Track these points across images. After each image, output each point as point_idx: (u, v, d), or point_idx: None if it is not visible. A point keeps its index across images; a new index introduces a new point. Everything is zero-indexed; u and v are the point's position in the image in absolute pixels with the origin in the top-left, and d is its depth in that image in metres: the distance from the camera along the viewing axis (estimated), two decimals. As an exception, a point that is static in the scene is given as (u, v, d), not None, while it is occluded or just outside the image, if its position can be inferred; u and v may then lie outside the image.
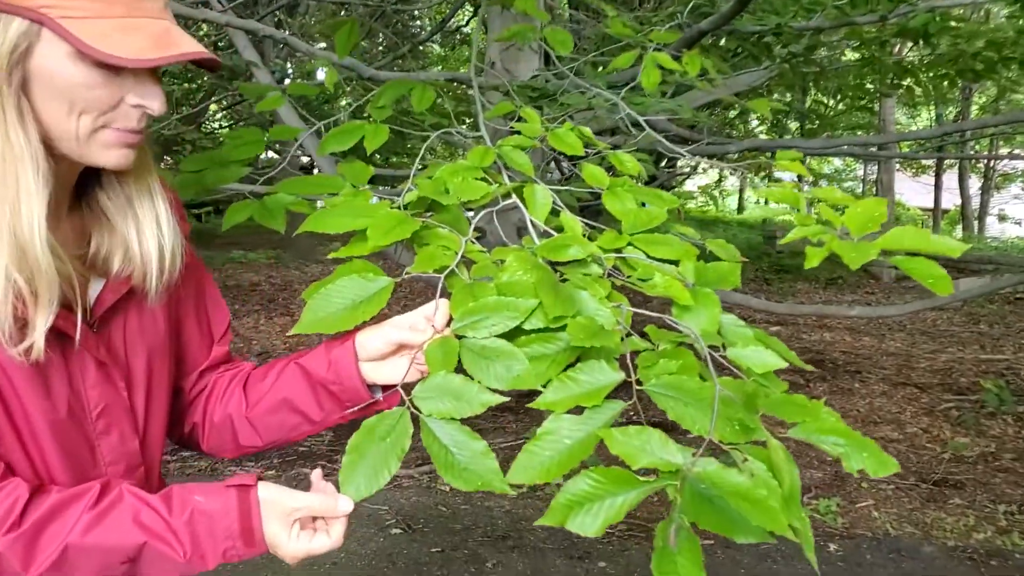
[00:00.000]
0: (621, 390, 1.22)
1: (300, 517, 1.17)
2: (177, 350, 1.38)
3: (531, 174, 1.62)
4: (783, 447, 1.17)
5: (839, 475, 5.31)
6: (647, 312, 1.39)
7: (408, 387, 1.26)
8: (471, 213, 1.54)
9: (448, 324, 1.28)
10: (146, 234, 1.21)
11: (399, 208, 1.48)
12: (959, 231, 22.28)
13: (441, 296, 1.30)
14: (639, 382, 1.22)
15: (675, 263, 1.56)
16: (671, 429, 1.20)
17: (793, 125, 18.51)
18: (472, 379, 1.21)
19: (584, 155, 1.75)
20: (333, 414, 1.36)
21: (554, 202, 1.57)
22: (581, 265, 1.46)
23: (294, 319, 8.96)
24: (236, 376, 1.44)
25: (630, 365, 1.24)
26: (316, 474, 1.26)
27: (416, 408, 1.20)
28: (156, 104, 1.08)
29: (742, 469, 1.15)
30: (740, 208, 28.10)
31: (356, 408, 1.34)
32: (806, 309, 8.10)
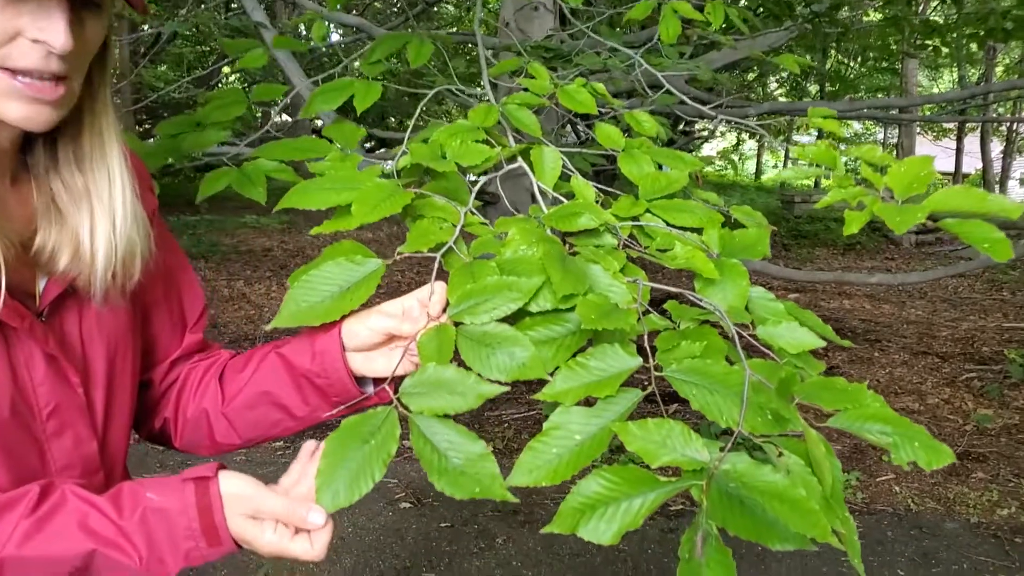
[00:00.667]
0: (637, 377, 1.09)
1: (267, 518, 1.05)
2: (144, 339, 1.25)
3: (538, 135, 1.47)
4: (823, 439, 1.03)
5: (858, 447, 5.18)
6: (666, 287, 1.25)
7: (401, 381, 1.13)
8: (478, 180, 1.39)
9: (445, 310, 1.14)
10: (99, 234, 1.06)
11: (390, 176, 1.34)
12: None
13: (438, 277, 1.16)
14: (658, 367, 1.09)
15: (698, 231, 1.42)
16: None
17: (813, 88, 18.22)
18: (468, 369, 1.07)
19: (598, 115, 1.60)
20: (319, 410, 1.22)
21: (565, 166, 1.43)
22: (593, 235, 1.32)
23: (307, 286, 8.87)
24: (211, 367, 1.30)
25: (648, 348, 1.10)
26: (306, 447, 1.13)
27: (404, 406, 1.07)
28: (57, 39, 0.90)
29: (776, 465, 1.01)
30: (758, 173, 27.82)
31: (345, 405, 1.21)
32: (825, 276, 7.93)
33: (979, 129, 20.62)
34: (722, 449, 1.02)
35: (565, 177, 1.46)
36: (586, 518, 1.00)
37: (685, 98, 1.98)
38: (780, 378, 1.09)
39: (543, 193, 1.38)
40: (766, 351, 1.21)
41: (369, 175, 1.30)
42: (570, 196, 1.41)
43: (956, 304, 9.58)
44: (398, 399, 1.07)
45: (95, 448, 1.13)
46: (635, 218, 1.40)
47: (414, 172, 1.33)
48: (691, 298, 1.23)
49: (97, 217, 1.06)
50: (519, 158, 1.42)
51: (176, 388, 1.30)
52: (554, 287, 1.09)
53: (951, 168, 22.35)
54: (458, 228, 1.23)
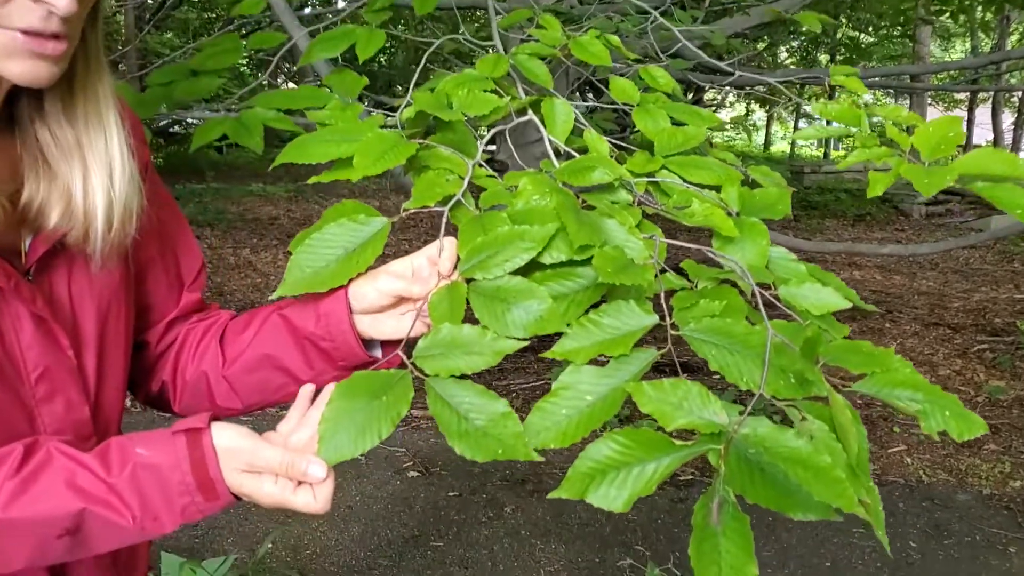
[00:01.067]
0: (652, 336, 1.03)
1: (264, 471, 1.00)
2: (139, 299, 1.19)
3: (550, 86, 1.41)
4: (849, 404, 0.98)
5: (869, 417, 5.14)
6: (683, 243, 1.19)
7: (413, 344, 1.08)
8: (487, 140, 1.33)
9: (457, 267, 1.09)
10: (94, 187, 1.00)
11: (394, 128, 1.28)
12: None
13: (446, 233, 1.10)
14: (675, 326, 1.03)
15: (716, 189, 1.36)
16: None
17: (823, 58, 18.02)
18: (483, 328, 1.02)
19: (611, 68, 1.53)
20: (325, 373, 1.17)
21: (577, 120, 1.37)
22: (608, 191, 1.26)
23: (313, 254, 8.81)
24: (211, 328, 1.24)
25: (664, 306, 1.05)
26: (304, 391, 1.09)
27: (420, 371, 1.01)
28: (60, 0, 0.85)
29: (800, 431, 0.96)
30: (767, 143, 27.61)
31: (352, 368, 1.16)
32: (836, 247, 7.84)
33: (991, 100, 20.42)
34: (742, 413, 0.97)
35: (577, 133, 1.39)
36: (596, 483, 0.95)
37: (701, 53, 1.91)
38: (806, 338, 1.04)
39: (553, 147, 1.32)
40: (787, 313, 1.15)
41: (371, 125, 1.24)
42: (583, 152, 1.35)
43: (967, 275, 9.49)
44: (412, 363, 1.01)
45: (87, 413, 1.07)
46: (651, 174, 1.34)
47: (419, 122, 1.27)
48: (710, 255, 1.17)
49: (92, 171, 1.00)
50: (529, 110, 1.36)
51: (174, 350, 1.25)
52: (570, 237, 1.03)
53: (962, 139, 22.18)
54: (466, 180, 1.17)
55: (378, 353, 1.18)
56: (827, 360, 1.02)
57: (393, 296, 1.10)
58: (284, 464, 0.97)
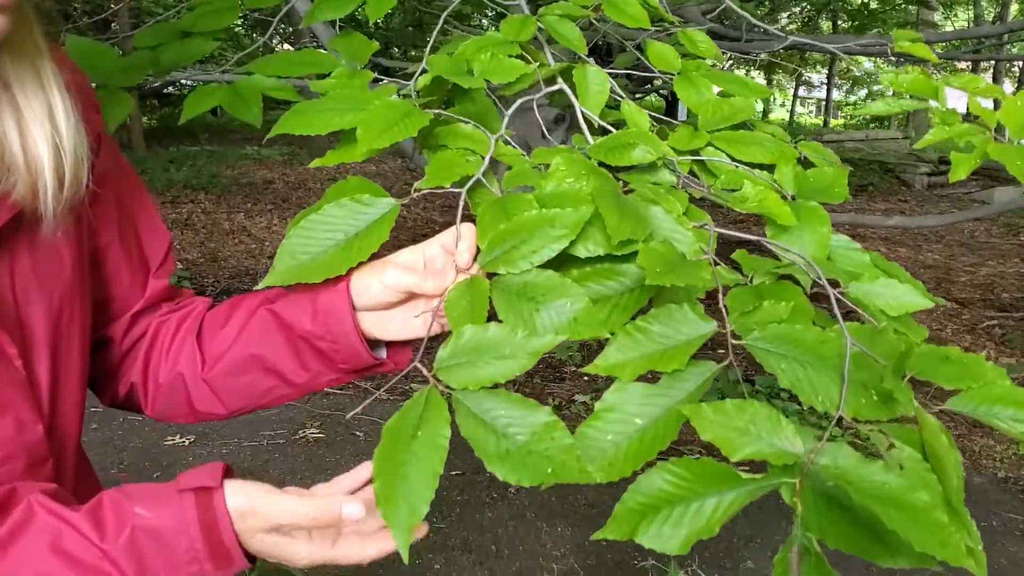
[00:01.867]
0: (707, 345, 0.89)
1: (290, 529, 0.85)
2: (98, 290, 1.03)
3: (583, 51, 1.25)
4: (944, 428, 0.84)
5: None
6: (738, 233, 1.04)
7: (419, 344, 0.93)
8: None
9: (476, 258, 0.94)
10: (33, 133, 0.84)
11: (407, 97, 1.12)
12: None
13: (464, 220, 0.95)
14: (735, 334, 0.88)
15: (768, 169, 1.21)
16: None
17: (825, 25, 17.76)
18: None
19: (649, 29, 1.37)
20: (322, 376, 1.02)
21: (613, 91, 1.21)
22: (648, 171, 1.11)
23: (309, 220, 8.64)
24: (185, 321, 1.09)
25: (723, 310, 0.90)
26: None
27: (443, 383, 0.86)
28: None
29: (888, 461, 0.82)
30: (765, 112, 27.35)
31: (355, 371, 1.02)
32: (841, 218, 7.68)
33: (991, 70, 20.24)
34: (818, 438, 0.82)
35: (611, 105, 1.24)
36: (647, 521, 0.81)
37: (751, 17, 1.74)
38: (890, 348, 0.89)
39: (586, 120, 1.17)
40: (850, 310, 1.01)
41: (381, 94, 1.08)
42: (618, 126, 1.19)
43: (974, 248, 9.35)
44: (435, 376, 0.86)
45: (41, 433, 0.91)
46: (695, 152, 1.19)
47: (435, 91, 1.12)
48: (770, 247, 1.02)
49: (27, 117, 0.84)
50: (559, 78, 1.20)
51: (143, 347, 1.08)
52: (609, 230, 0.88)
53: (963, 109, 22.06)
54: (487, 158, 1.02)
55: (382, 354, 1.03)
56: (914, 373, 0.87)
57: (401, 292, 0.95)
58: (314, 514, 0.84)
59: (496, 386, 0.85)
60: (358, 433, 4.22)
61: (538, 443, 0.81)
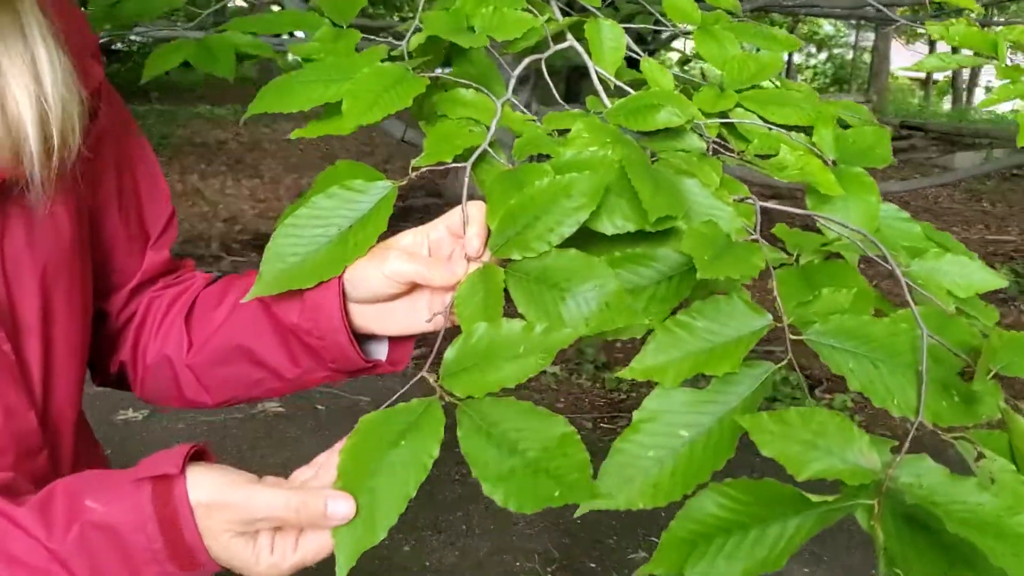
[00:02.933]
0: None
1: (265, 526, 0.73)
2: (96, 259, 0.92)
3: (596, 3, 1.11)
4: (1037, 433, 0.72)
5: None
6: (783, 207, 0.91)
7: (429, 339, 0.80)
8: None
9: (487, 242, 0.81)
10: (14, 91, 0.73)
11: (398, 59, 0.99)
12: (948, 102, 21.79)
13: (471, 198, 0.82)
14: (793, 328, 0.76)
15: (802, 131, 1.08)
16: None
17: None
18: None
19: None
20: (314, 372, 0.90)
21: (629, 48, 1.08)
22: (675, 137, 0.98)
23: (264, 182, 8.40)
24: (179, 298, 0.98)
25: (778, 301, 0.77)
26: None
27: (450, 394, 0.73)
28: None
29: (979, 475, 0.70)
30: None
31: (348, 372, 0.89)
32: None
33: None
34: (895, 450, 0.70)
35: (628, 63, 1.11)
36: (699, 553, 0.69)
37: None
38: (974, 339, 0.77)
39: (601, 81, 1.03)
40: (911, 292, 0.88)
41: (369, 58, 0.94)
42: (636, 87, 1.06)
43: (938, 214, 9.26)
44: (440, 385, 0.74)
45: (34, 421, 0.82)
46: (723, 114, 1.06)
47: (430, 51, 0.98)
48: (821, 223, 0.89)
49: (9, 73, 0.74)
50: (568, 34, 1.07)
51: (135, 323, 0.98)
52: (645, 205, 0.75)
53: (920, 74, 22.05)
54: (493, 124, 0.89)
55: (383, 351, 0.91)
56: (1001, 368, 0.75)
57: (404, 283, 0.83)
58: (292, 507, 0.70)
59: (505, 392, 0.72)
60: (320, 407, 4.08)
61: (548, 459, 0.69)
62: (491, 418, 0.71)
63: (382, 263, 0.81)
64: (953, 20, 1.15)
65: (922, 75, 21.85)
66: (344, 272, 0.83)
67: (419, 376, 0.76)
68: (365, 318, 0.86)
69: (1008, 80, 0.97)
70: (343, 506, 0.70)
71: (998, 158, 10.43)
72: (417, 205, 6.50)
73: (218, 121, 11.57)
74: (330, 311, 0.84)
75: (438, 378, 0.74)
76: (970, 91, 21.12)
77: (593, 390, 4.52)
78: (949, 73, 20.36)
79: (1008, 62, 1.01)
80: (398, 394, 0.80)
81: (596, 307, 0.75)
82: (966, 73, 20.63)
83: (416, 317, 0.86)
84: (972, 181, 10.25)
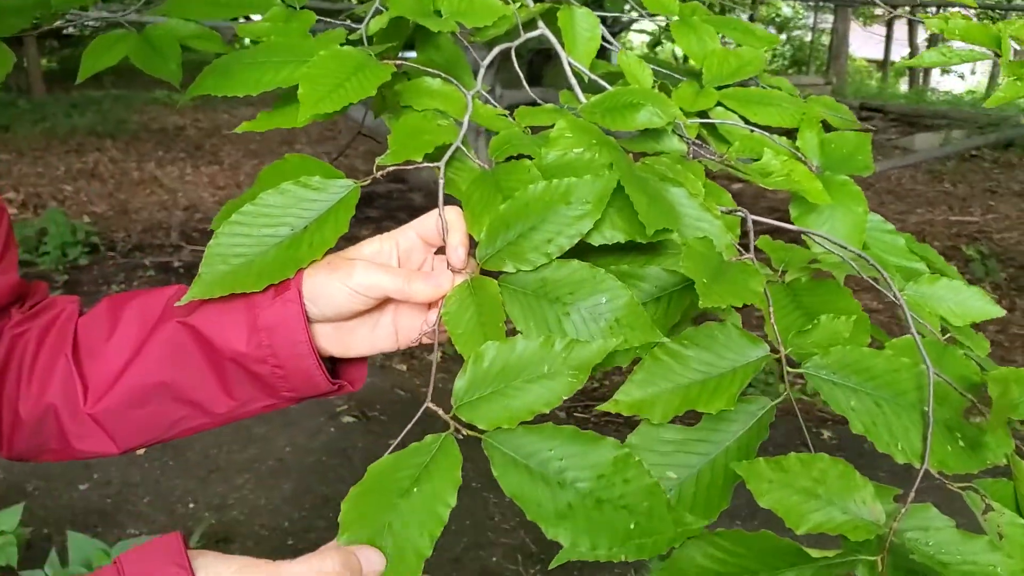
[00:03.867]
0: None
1: None
2: None
3: (571, -13, 1.03)
4: (1045, 482, 0.66)
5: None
6: (774, 221, 0.85)
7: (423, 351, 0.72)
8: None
9: (472, 251, 0.73)
10: None
11: (358, 44, 0.90)
12: (905, 84, 22.13)
13: (446, 198, 0.74)
14: (791, 360, 0.69)
15: (782, 133, 1.02)
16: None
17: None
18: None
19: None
20: (255, 403, 0.79)
21: (604, 39, 1.00)
22: (654, 138, 0.91)
23: (224, 169, 8.19)
24: (50, 331, 0.81)
25: (774, 328, 0.70)
26: None
27: (468, 425, 0.65)
28: None
29: (987, 529, 0.64)
30: (686, 59, 27.20)
31: (301, 399, 0.80)
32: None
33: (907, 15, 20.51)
34: (898, 499, 0.64)
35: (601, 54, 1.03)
36: (682, 606, 0.62)
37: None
38: (972, 373, 0.72)
39: (575, 74, 0.96)
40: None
41: (325, 41, 0.85)
42: (612, 80, 0.99)
43: (901, 196, 9.38)
44: (455, 417, 0.65)
45: None
46: (703, 113, 0.99)
47: (393, 36, 0.89)
48: (816, 240, 0.83)
49: None
50: (540, 22, 0.99)
51: None
52: (641, 217, 0.68)
53: (877, 55, 22.32)
54: (465, 121, 0.81)
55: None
56: (1013, 414, 0.69)
57: (375, 298, 0.73)
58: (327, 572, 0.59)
59: (538, 419, 0.64)
60: None
61: (609, 489, 0.61)
62: (525, 449, 0.63)
63: (348, 274, 0.72)
64: (951, 13, 1.10)
65: (880, 57, 22.08)
66: (301, 284, 0.73)
67: (424, 407, 0.67)
68: (324, 340, 0.77)
69: (1014, 77, 0.91)
70: (377, 559, 0.61)
71: (957, 139, 10.57)
72: (380, 191, 6.33)
73: (175, 106, 11.24)
74: (292, 333, 0.73)
75: (449, 410, 0.66)
76: (927, 72, 21.46)
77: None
78: (906, 54, 20.65)
79: (1012, 56, 0.96)
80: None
81: (606, 323, 0.67)
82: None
83: (379, 336, 0.77)
84: (933, 162, 10.40)
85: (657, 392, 0.66)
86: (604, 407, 0.66)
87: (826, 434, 3.88)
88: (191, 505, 3.07)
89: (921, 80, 21.59)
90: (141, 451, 3.29)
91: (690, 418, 0.67)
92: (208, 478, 3.24)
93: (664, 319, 0.70)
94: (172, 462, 3.31)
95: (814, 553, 0.61)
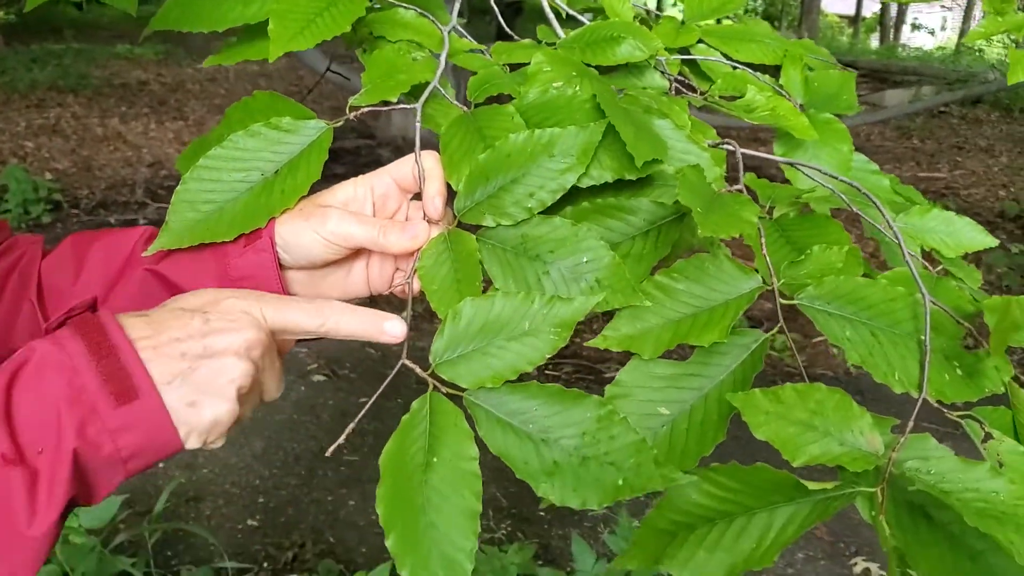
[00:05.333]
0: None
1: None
2: None
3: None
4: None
5: (792, 307, 4.95)
6: (755, 152, 0.83)
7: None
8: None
9: (450, 202, 0.70)
10: None
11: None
12: (875, 39, 22.17)
13: (424, 138, 0.71)
14: (783, 293, 0.67)
15: (764, 70, 1.00)
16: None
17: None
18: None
19: None
20: None
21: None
22: (635, 73, 0.88)
23: (189, 124, 8.05)
24: (10, 275, 0.76)
25: (767, 261, 0.68)
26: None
27: (449, 385, 0.63)
28: None
29: (987, 457, 0.63)
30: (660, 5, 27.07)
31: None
32: (740, 121, 7.58)
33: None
34: (896, 429, 0.63)
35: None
36: (677, 544, 0.61)
37: None
38: (966, 303, 0.70)
39: (553, 9, 0.92)
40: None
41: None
42: (596, 15, 0.96)
43: (870, 152, 9.37)
44: (434, 374, 0.63)
45: None
46: (684, 50, 0.97)
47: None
48: (806, 171, 0.81)
49: None
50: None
51: None
52: (630, 149, 0.65)
53: (848, 11, 22.36)
54: (443, 58, 0.77)
55: None
56: (1014, 336, 0.68)
57: (348, 247, 0.70)
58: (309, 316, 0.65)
59: (522, 378, 0.62)
60: None
61: (593, 446, 0.59)
62: (509, 408, 0.62)
63: (321, 223, 0.69)
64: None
65: (851, 12, 22.08)
66: (273, 231, 0.69)
67: (400, 365, 0.65)
68: (294, 284, 0.73)
69: (994, 12, 0.89)
70: (399, 326, 0.65)
71: (927, 96, 10.59)
72: (348, 147, 6.22)
73: (138, 61, 10.98)
74: (265, 284, 0.70)
75: (427, 368, 0.63)
76: (897, 28, 21.51)
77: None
78: (877, 10, 20.63)
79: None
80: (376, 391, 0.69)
81: (586, 284, 0.65)
82: (893, 10, 21.01)
83: (352, 283, 0.75)
84: (902, 118, 10.43)
85: (647, 327, 0.64)
86: (593, 343, 0.64)
87: (794, 388, 3.92)
88: (159, 464, 3.03)
89: (892, 36, 21.66)
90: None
91: (680, 352, 0.65)
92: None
93: (653, 252, 0.68)
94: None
95: (812, 486, 0.60)
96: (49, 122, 7.80)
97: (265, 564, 2.56)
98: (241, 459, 3.11)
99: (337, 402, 3.53)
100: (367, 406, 0.67)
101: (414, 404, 0.62)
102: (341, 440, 0.63)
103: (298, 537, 2.68)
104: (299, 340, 0.72)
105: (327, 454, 0.63)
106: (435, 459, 0.60)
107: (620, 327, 0.64)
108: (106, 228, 0.74)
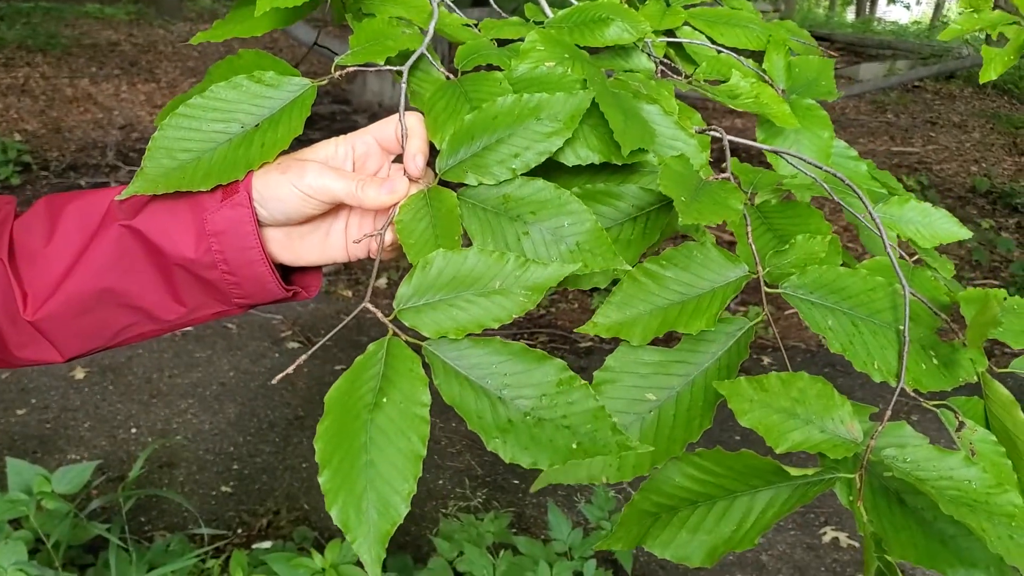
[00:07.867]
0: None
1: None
2: None
3: None
4: (1014, 400, 0.67)
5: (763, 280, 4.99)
6: (741, 139, 0.83)
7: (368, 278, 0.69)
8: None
9: (431, 162, 0.70)
10: None
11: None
12: (851, 12, 22.17)
13: (408, 108, 0.71)
14: (768, 282, 0.69)
15: (747, 55, 1.00)
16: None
17: None
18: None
19: None
20: (204, 309, 0.76)
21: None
22: (622, 55, 0.89)
23: (161, 87, 7.94)
24: None
25: (752, 249, 0.69)
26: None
27: (410, 329, 0.63)
28: None
29: (960, 445, 0.65)
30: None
31: (252, 305, 0.77)
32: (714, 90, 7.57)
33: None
34: (874, 417, 0.65)
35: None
36: (661, 525, 0.63)
37: None
38: (940, 292, 0.72)
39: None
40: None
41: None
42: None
43: (845, 126, 9.45)
44: (396, 319, 0.63)
45: None
46: (670, 32, 0.97)
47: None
48: (790, 159, 0.82)
49: None
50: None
51: None
52: (617, 136, 0.66)
53: None
54: (431, 27, 0.78)
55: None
56: (992, 329, 0.69)
57: (327, 202, 0.71)
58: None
59: (485, 332, 0.63)
60: (230, 326, 3.91)
61: (550, 409, 0.59)
62: (468, 361, 0.62)
63: (299, 176, 0.69)
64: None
65: None
66: (251, 185, 0.70)
67: (360, 307, 0.65)
68: (274, 245, 0.74)
69: (970, 9, 0.90)
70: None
71: (901, 70, 10.61)
72: (323, 112, 6.18)
73: (109, 21, 10.76)
74: (242, 239, 0.70)
75: (389, 313, 0.64)
76: (873, 1, 21.53)
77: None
78: None
79: None
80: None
81: (567, 247, 0.66)
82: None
83: (331, 245, 0.75)
84: (877, 93, 10.46)
85: (636, 314, 0.65)
86: (583, 329, 0.65)
87: (766, 360, 3.95)
88: (133, 430, 3.03)
89: (868, 9, 21.67)
90: (80, 375, 3.24)
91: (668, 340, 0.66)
92: (150, 403, 3.20)
93: (642, 238, 0.69)
94: (112, 386, 3.26)
95: (793, 472, 0.61)
96: (17, 82, 7.66)
97: (239, 531, 2.57)
98: (215, 426, 3.11)
99: (312, 370, 3.53)
100: (317, 345, 0.67)
101: (370, 346, 0.62)
102: (290, 370, 0.62)
103: (272, 504, 2.69)
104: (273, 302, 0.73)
105: (273, 381, 0.63)
106: (384, 400, 0.60)
107: (610, 314, 0.65)
108: (80, 190, 0.73)
